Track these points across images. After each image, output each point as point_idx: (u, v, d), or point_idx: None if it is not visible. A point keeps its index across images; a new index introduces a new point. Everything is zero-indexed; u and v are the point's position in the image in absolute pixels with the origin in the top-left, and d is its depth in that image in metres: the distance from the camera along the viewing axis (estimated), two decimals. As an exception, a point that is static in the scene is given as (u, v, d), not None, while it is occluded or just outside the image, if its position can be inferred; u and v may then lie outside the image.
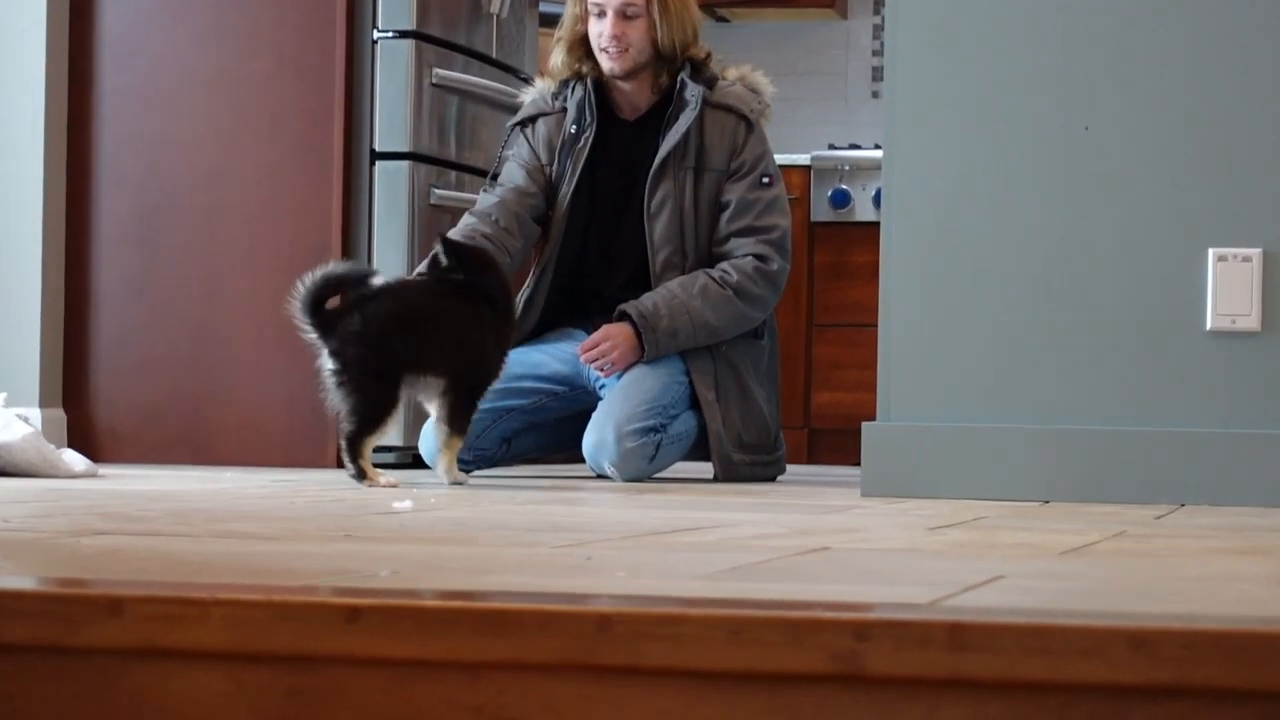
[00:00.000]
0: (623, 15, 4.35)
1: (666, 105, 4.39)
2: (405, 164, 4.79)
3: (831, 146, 7.03)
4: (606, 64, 4.38)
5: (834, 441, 6.63)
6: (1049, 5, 3.50)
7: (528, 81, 4.87)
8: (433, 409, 3.80)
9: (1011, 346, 3.50)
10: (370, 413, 3.63)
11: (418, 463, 4.48)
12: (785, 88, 5.57)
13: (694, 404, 4.32)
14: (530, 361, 4.40)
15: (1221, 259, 3.43)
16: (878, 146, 6.52)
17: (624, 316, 4.29)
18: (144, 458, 4.81)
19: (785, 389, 5.42)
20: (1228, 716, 1.32)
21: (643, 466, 4.19)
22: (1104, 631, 1.33)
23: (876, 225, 3.71)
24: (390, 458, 4.63)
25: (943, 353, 3.52)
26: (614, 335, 4.29)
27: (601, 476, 4.25)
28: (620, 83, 4.41)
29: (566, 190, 4.39)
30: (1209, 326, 3.43)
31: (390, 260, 4.69)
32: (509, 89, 5.10)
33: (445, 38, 4.96)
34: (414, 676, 1.41)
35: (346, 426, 3.65)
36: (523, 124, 4.50)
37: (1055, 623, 1.34)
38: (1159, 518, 2.95)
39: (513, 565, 1.85)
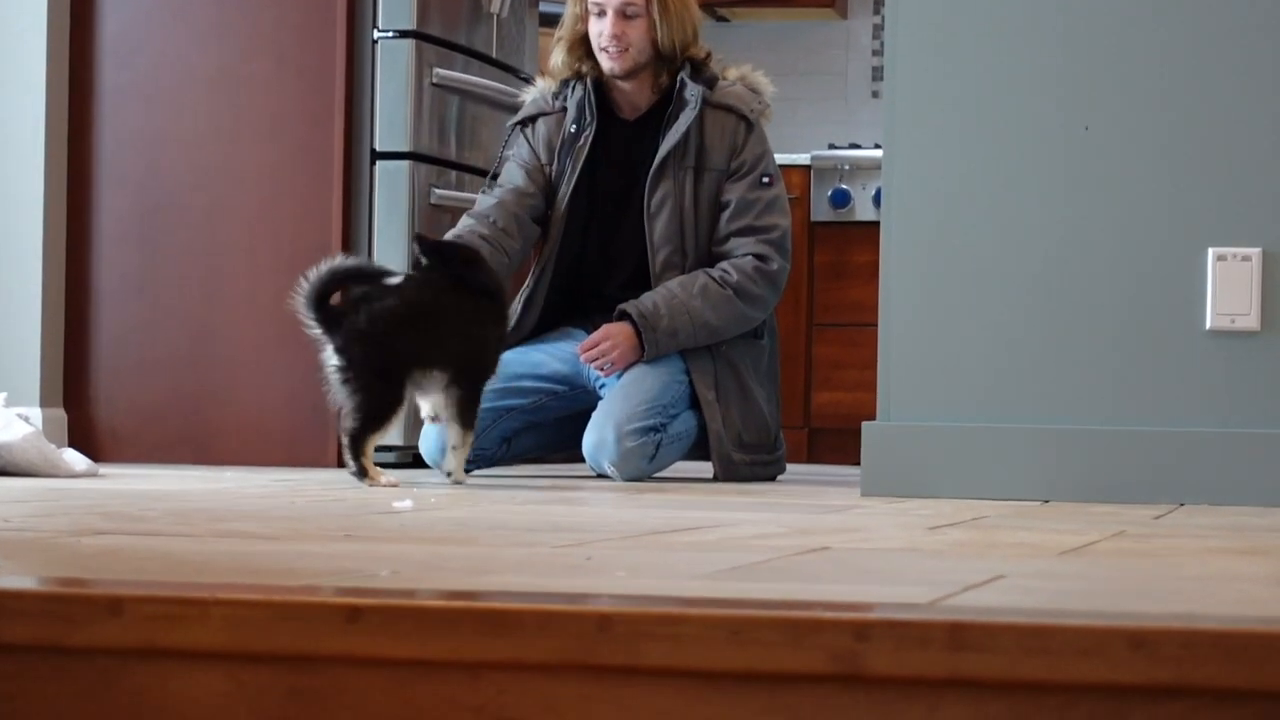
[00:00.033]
0: (622, 15, 4.35)
1: (666, 105, 4.39)
2: (405, 164, 4.79)
3: (831, 146, 7.03)
4: (606, 63, 4.38)
5: (834, 441, 6.63)
6: (1049, 5, 3.51)
7: (528, 81, 4.87)
8: (435, 406, 3.81)
9: (1011, 346, 3.50)
10: (374, 411, 3.63)
11: (418, 462, 4.48)
12: (785, 88, 5.57)
13: (694, 404, 4.32)
14: (530, 361, 4.40)
15: (1221, 258, 3.43)
16: (878, 146, 6.52)
17: (624, 316, 4.29)
18: (144, 457, 4.81)
19: (785, 389, 5.42)
20: (1228, 716, 1.32)
21: (643, 466, 4.19)
22: (1104, 631, 1.33)
23: (876, 225, 3.71)
24: (390, 457, 4.63)
25: (943, 353, 3.52)
26: (614, 335, 4.29)
27: (601, 476, 4.25)
28: (620, 82, 4.41)
29: (566, 190, 4.39)
30: (1208, 326, 3.43)
31: (390, 260, 4.68)
32: (509, 89, 5.10)
33: (445, 38, 4.96)
34: (414, 676, 1.41)
35: (349, 424, 3.65)
36: (523, 123, 4.50)
37: (1055, 623, 1.34)
38: (1158, 517, 2.95)
39: (513, 565, 1.85)
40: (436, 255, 3.82)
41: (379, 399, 3.63)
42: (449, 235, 4.32)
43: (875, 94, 7.32)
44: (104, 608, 1.44)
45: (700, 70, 4.40)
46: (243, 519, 2.55)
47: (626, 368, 4.29)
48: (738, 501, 3.35)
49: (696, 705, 1.37)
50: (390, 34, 4.79)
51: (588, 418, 4.25)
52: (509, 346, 4.29)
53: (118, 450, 4.83)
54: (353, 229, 4.76)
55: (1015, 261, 3.50)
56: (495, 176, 4.49)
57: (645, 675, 1.38)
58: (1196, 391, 3.43)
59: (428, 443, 4.13)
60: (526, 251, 4.44)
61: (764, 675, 1.36)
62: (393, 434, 4.01)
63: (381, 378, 3.64)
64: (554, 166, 4.43)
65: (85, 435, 4.84)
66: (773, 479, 4.43)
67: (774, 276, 4.36)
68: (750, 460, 4.36)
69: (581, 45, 4.43)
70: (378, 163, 4.79)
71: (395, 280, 3.71)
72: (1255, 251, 3.42)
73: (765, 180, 4.39)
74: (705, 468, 4.41)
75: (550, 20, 5.06)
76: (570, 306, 4.48)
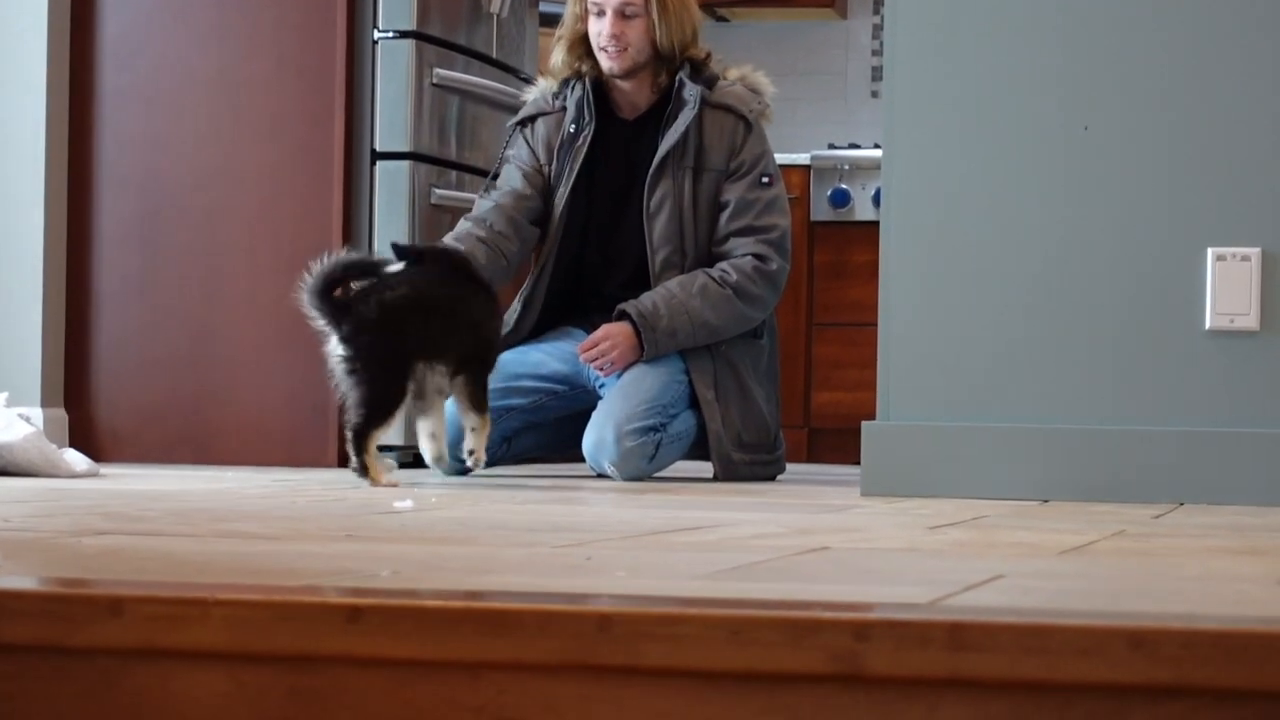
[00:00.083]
0: (622, 15, 4.35)
1: (666, 105, 4.39)
2: (406, 164, 4.79)
3: (831, 146, 7.03)
4: (606, 63, 4.38)
5: (834, 441, 6.63)
6: (1049, 5, 3.51)
7: (528, 81, 4.87)
8: (438, 403, 3.83)
9: (1011, 346, 3.50)
10: (379, 403, 3.64)
11: (418, 462, 4.48)
12: (785, 88, 5.58)
13: (694, 403, 4.32)
14: (530, 361, 4.40)
15: (1220, 258, 3.43)
16: (877, 146, 6.51)
17: (623, 316, 4.29)
18: (145, 457, 4.81)
19: (785, 389, 5.42)
20: (1228, 716, 1.32)
21: (642, 466, 4.19)
22: (1103, 631, 1.33)
23: (876, 225, 3.71)
24: (390, 457, 4.63)
25: (942, 352, 3.52)
26: (613, 334, 4.29)
27: (601, 476, 4.25)
28: (619, 82, 4.41)
29: (565, 189, 4.39)
30: (1208, 326, 3.44)
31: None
32: (509, 89, 5.10)
33: (445, 38, 4.96)
34: (414, 676, 1.41)
35: (354, 418, 3.66)
36: (522, 124, 4.50)
37: (1055, 622, 1.35)
38: (1158, 517, 2.95)
39: (513, 565, 1.85)
40: (417, 259, 3.82)
41: (384, 391, 3.65)
42: (447, 238, 4.32)
43: (875, 94, 7.32)
44: (105, 608, 1.44)
45: (700, 70, 4.40)
46: (243, 519, 2.55)
47: (626, 367, 4.29)
48: (738, 501, 3.35)
49: (696, 705, 1.37)
50: (390, 34, 4.79)
51: (588, 418, 4.25)
52: (508, 346, 4.30)
53: (118, 450, 4.83)
54: (353, 229, 4.76)
55: (1015, 261, 3.50)
56: (495, 178, 4.49)
57: (645, 675, 1.38)
58: (1196, 391, 3.43)
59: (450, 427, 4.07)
60: (525, 254, 4.45)
61: (764, 675, 1.36)
62: (392, 434, 4.01)
63: (387, 368, 3.65)
64: (553, 166, 4.43)
65: (86, 435, 4.84)
66: (772, 479, 4.43)
67: (773, 276, 4.36)
68: (750, 460, 4.36)
69: (581, 45, 4.43)
70: (378, 163, 4.79)
71: (395, 268, 3.72)
72: (1255, 251, 3.42)
73: (765, 180, 4.39)
74: (705, 468, 4.41)
75: (550, 20, 5.06)
76: (570, 306, 4.48)
